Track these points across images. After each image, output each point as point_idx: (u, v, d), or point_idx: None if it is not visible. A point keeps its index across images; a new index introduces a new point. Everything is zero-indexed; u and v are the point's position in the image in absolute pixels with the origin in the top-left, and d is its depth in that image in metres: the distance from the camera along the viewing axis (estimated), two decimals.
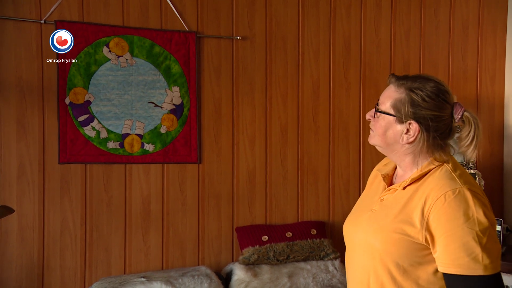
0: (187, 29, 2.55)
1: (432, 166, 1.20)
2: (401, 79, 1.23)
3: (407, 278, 1.14)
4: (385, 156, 1.39)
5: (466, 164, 2.64)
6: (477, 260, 1.06)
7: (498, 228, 2.57)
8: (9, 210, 1.82)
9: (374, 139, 1.27)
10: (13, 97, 2.30)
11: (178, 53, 2.52)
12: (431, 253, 1.13)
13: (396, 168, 1.33)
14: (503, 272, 2.36)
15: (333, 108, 2.81)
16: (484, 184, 2.63)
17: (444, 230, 1.09)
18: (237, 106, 2.66)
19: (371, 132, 1.29)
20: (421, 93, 1.18)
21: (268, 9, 2.70)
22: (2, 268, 2.29)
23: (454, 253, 1.07)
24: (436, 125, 1.19)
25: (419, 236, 1.12)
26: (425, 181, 1.18)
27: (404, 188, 1.21)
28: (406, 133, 1.21)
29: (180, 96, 2.53)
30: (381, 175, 1.31)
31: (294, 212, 2.75)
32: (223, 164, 2.63)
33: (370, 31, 2.88)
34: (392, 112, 1.22)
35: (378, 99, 1.27)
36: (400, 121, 1.21)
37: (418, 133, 1.20)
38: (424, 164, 1.21)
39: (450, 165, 1.19)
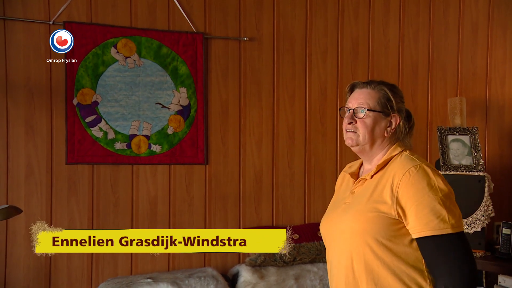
0: (194, 30, 2.55)
1: (394, 153, 1.38)
2: (372, 82, 1.42)
3: (387, 252, 1.28)
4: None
5: (475, 167, 2.61)
6: (445, 221, 1.23)
7: (508, 231, 2.54)
8: (17, 210, 1.83)
9: (359, 139, 1.39)
10: (21, 98, 2.32)
11: (186, 54, 2.52)
12: (404, 226, 1.28)
13: (361, 166, 1.50)
14: (509, 275, 2.34)
15: None
16: (493, 187, 2.59)
17: (413, 200, 1.26)
18: (244, 107, 2.65)
19: (350, 134, 1.40)
20: (397, 90, 1.43)
21: (275, 10, 2.70)
22: (10, 268, 2.30)
23: (425, 218, 1.24)
24: (406, 116, 1.43)
25: (392, 211, 1.28)
26: (389, 166, 1.36)
27: (372, 177, 1.38)
28: (388, 126, 1.40)
29: (187, 97, 2.53)
30: (349, 173, 1.48)
31: (301, 214, 2.74)
32: (230, 165, 2.62)
33: (378, 32, 2.86)
34: (378, 108, 1.38)
35: (347, 105, 1.42)
36: (386, 115, 1.39)
37: (397, 125, 1.40)
38: (388, 152, 1.40)
39: (407, 152, 1.39)
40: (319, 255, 2.50)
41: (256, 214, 2.66)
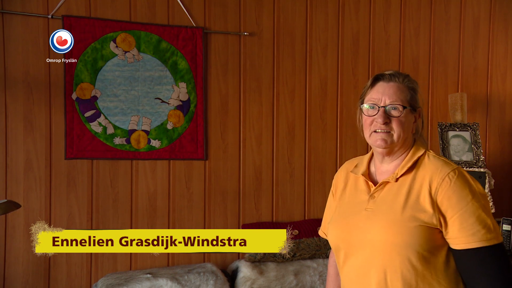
0: (194, 25, 2.53)
1: (419, 154, 1.26)
2: (400, 75, 1.29)
3: (428, 265, 1.16)
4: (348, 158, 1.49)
5: (475, 163, 2.60)
6: (491, 230, 1.14)
7: (508, 227, 2.53)
8: (16, 205, 1.82)
9: (393, 139, 1.25)
10: (20, 93, 2.30)
11: (185, 48, 2.50)
12: (442, 236, 1.17)
13: (369, 166, 1.36)
14: None
15: (341, 105, 2.78)
16: (493, 183, 2.59)
17: (456, 208, 1.15)
18: (244, 103, 2.64)
19: (383, 134, 1.25)
20: (417, 83, 1.32)
21: (276, 5, 2.68)
22: (9, 263, 2.30)
23: (471, 228, 1.13)
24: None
25: (433, 219, 1.16)
26: (418, 168, 1.24)
27: (397, 180, 1.25)
28: (414, 122, 1.30)
29: (187, 92, 2.52)
30: (361, 174, 1.33)
31: (301, 209, 2.73)
32: (229, 161, 2.61)
33: (379, 27, 2.84)
34: (408, 104, 1.26)
35: (374, 101, 1.27)
36: (413, 111, 1.28)
37: (419, 119, 1.31)
38: (411, 151, 1.28)
39: (432, 152, 1.28)
40: (318, 251, 2.50)
41: (256, 210, 2.65)
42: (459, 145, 2.66)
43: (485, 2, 3.00)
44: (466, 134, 2.67)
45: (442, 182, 1.17)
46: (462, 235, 1.14)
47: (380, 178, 1.30)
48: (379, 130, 1.25)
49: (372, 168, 1.35)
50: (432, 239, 1.16)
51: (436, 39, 2.94)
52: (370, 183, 1.30)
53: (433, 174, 1.19)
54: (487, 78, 3.03)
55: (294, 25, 2.71)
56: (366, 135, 1.30)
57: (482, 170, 2.56)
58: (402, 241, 1.16)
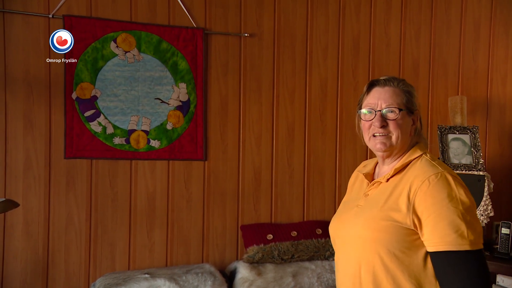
0: (194, 26, 2.53)
1: (413, 157, 1.30)
2: (395, 79, 1.33)
3: (399, 264, 1.19)
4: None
5: (474, 166, 2.60)
6: (463, 236, 1.13)
7: (507, 231, 2.53)
8: (14, 204, 1.82)
9: (391, 142, 1.30)
10: (20, 92, 2.31)
11: (186, 49, 2.51)
12: (419, 238, 1.20)
13: (375, 167, 1.42)
14: (507, 275, 2.33)
15: (340, 107, 2.79)
16: (493, 186, 2.59)
17: (431, 211, 1.16)
18: (244, 104, 2.64)
19: (382, 138, 1.30)
20: (412, 87, 1.36)
21: (276, 6, 2.68)
22: (7, 262, 2.30)
23: (442, 231, 1.15)
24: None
25: (407, 220, 1.19)
26: (408, 171, 1.27)
27: (388, 180, 1.29)
28: (412, 125, 1.33)
29: (187, 93, 2.52)
30: (363, 174, 1.40)
31: (300, 211, 2.73)
32: (229, 161, 2.61)
33: (379, 29, 2.84)
34: (405, 107, 1.30)
35: (370, 106, 1.31)
36: (410, 113, 1.32)
37: (417, 122, 1.34)
38: (407, 153, 1.32)
39: (428, 156, 1.30)
40: (317, 253, 2.50)
41: (255, 211, 2.65)
42: (458, 148, 2.66)
43: (486, 5, 3.00)
44: (466, 137, 2.67)
45: (422, 185, 1.19)
46: (433, 237, 1.16)
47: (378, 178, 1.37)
48: (377, 134, 1.30)
49: (377, 169, 1.42)
50: (405, 240, 1.19)
51: (437, 42, 2.94)
52: (368, 182, 1.38)
53: (416, 177, 1.22)
54: (487, 81, 3.03)
55: (294, 26, 2.71)
56: (366, 139, 1.35)
57: (481, 173, 2.56)
58: (374, 237, 1.21)
